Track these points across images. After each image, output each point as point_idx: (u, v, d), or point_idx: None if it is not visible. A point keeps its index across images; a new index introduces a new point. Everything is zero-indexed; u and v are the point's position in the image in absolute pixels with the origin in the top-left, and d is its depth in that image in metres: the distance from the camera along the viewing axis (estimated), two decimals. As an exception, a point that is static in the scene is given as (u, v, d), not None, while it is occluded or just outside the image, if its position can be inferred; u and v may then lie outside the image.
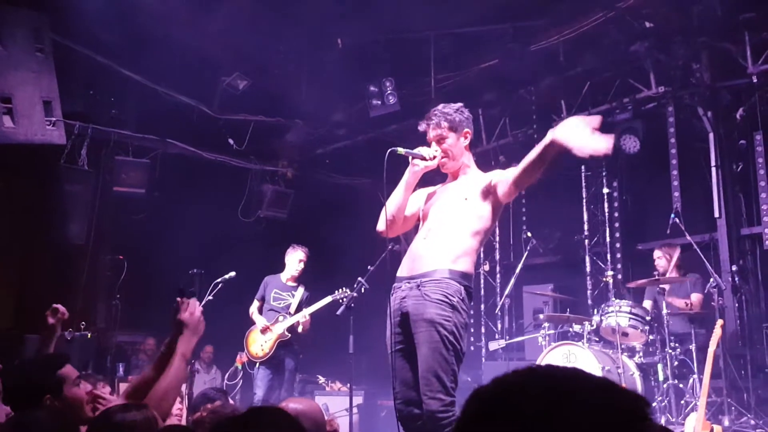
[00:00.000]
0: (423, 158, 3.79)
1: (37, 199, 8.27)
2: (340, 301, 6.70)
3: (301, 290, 7.29)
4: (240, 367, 7.31)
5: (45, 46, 6.89)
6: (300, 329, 7.05)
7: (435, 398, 3.44)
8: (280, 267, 7.54)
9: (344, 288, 6.81)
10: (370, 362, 8.59)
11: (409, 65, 8.28)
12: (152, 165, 8.73)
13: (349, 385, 6.54)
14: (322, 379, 8.12)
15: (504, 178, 3.65)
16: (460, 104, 3.93)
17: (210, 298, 6.88)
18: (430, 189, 4.03)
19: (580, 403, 0.95)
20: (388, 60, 8.21)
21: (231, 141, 9.46)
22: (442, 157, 3.83)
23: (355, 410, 6.96)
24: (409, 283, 3.68)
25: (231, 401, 3.73)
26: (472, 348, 9.35)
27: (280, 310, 7.21)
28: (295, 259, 7.33)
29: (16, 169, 7.99)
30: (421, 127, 3.89)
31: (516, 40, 7.63)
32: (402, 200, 3.86)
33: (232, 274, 6.96)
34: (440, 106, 3.90)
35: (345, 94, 8.66)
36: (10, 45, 6.68)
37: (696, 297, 6.78)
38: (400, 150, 3.80)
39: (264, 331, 7.09)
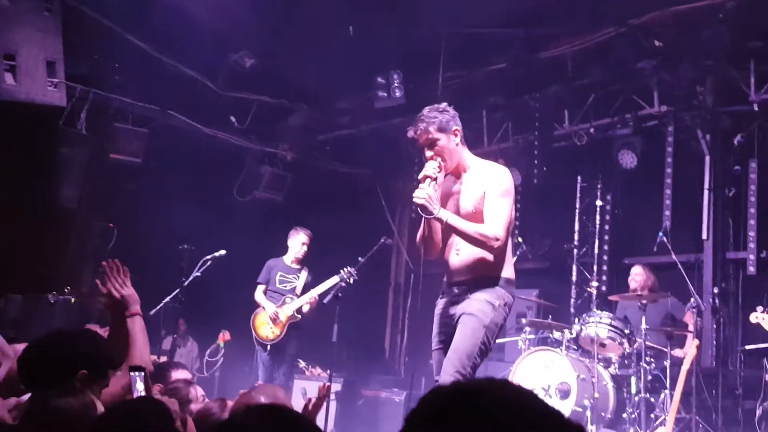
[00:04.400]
0: (433, 179, 3.79)
1: (32, 159, 8.17)
2: (348, 280, 6.82)
3: (305, 273, 7.35)
4: (222, 345, 7.33)
5: (53, 5, 6.80)
6: (306, 308, 7.13)
7: (451, 375, 3.65)
8: (273, 249, 7.53)
9: (349, 267, 6.89)
10: (351, 351, 8.65)
11: (419, 60, 8.24)
12: (151, 135, 8.62)
13: (329, 371, 6.62)
14: (302, 364, 8.17)
15: (484, 208, 3.81)
16: (444, 104, 4.01)
17: (198, 274, 6.90)
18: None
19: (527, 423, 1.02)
20: (397, 53, 8.21)
21: (233, 118, 9.34)
22: (442, 161, 3.87)
23: (333, 397, 7.04)
24: (457, 289, 3.93)
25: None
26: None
27: (285, 293, 7.25)
28: (298, 242, 7.37)
29: (12, 127, 7.88)
30: (410, 133, 3.95)
31: (526, 45, 7.66)
32: (437, 226, 3.95)
33: (223, 252, 6.98)
34: (425, 110, 3.96)
35: (352, 82, 8.62)
36: (18, 1, 6.59)
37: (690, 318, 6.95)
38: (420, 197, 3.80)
39: (273, 314, 7.14)
